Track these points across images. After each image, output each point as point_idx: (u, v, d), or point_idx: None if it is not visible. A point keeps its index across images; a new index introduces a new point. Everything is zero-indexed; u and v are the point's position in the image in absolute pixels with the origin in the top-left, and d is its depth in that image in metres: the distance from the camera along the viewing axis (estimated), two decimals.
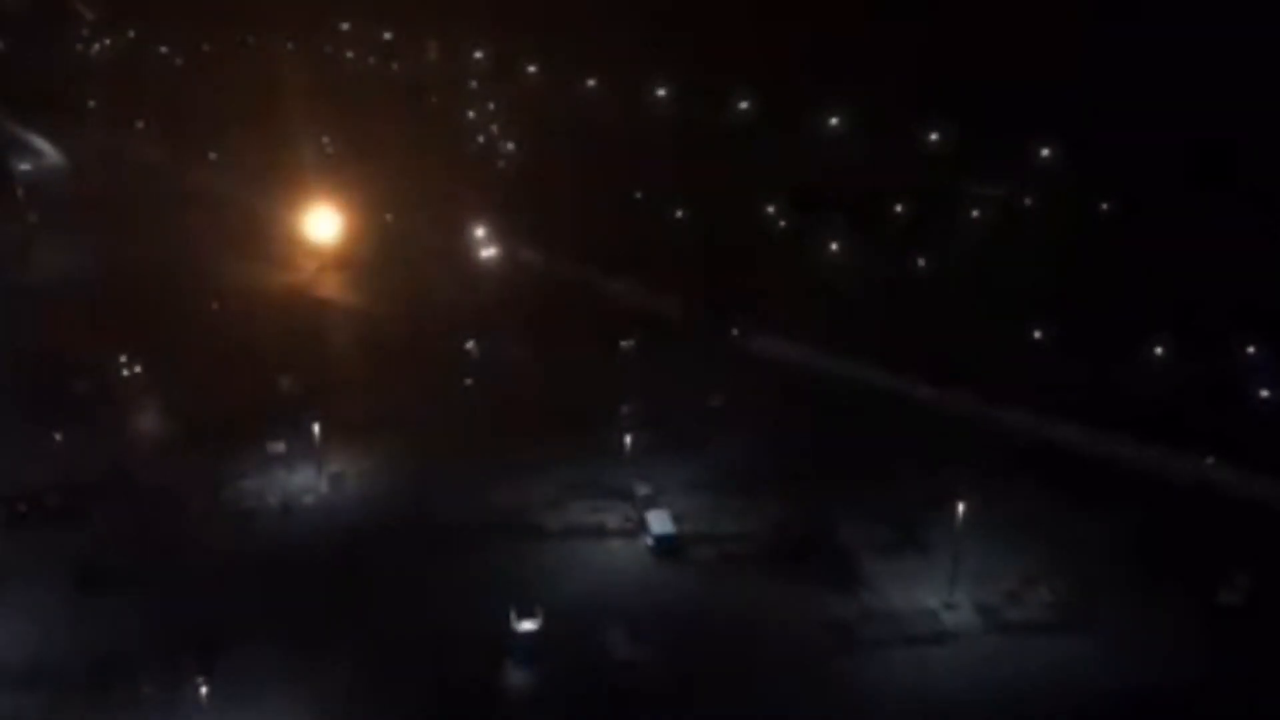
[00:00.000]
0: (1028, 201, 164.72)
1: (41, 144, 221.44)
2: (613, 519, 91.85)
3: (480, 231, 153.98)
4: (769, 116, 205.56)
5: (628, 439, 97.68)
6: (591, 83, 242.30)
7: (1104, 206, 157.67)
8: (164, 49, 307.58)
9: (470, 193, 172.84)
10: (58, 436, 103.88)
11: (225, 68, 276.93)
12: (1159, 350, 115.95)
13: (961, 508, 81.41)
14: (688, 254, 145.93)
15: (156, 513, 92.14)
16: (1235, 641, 76.35)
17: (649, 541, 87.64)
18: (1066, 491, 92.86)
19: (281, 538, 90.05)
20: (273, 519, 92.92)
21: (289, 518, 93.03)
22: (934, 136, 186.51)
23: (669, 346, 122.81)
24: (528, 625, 77.10)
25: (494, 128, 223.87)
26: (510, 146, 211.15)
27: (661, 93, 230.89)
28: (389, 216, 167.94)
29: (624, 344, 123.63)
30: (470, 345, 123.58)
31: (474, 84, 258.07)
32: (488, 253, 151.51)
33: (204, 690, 69.70)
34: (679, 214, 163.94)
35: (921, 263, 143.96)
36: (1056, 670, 74.01)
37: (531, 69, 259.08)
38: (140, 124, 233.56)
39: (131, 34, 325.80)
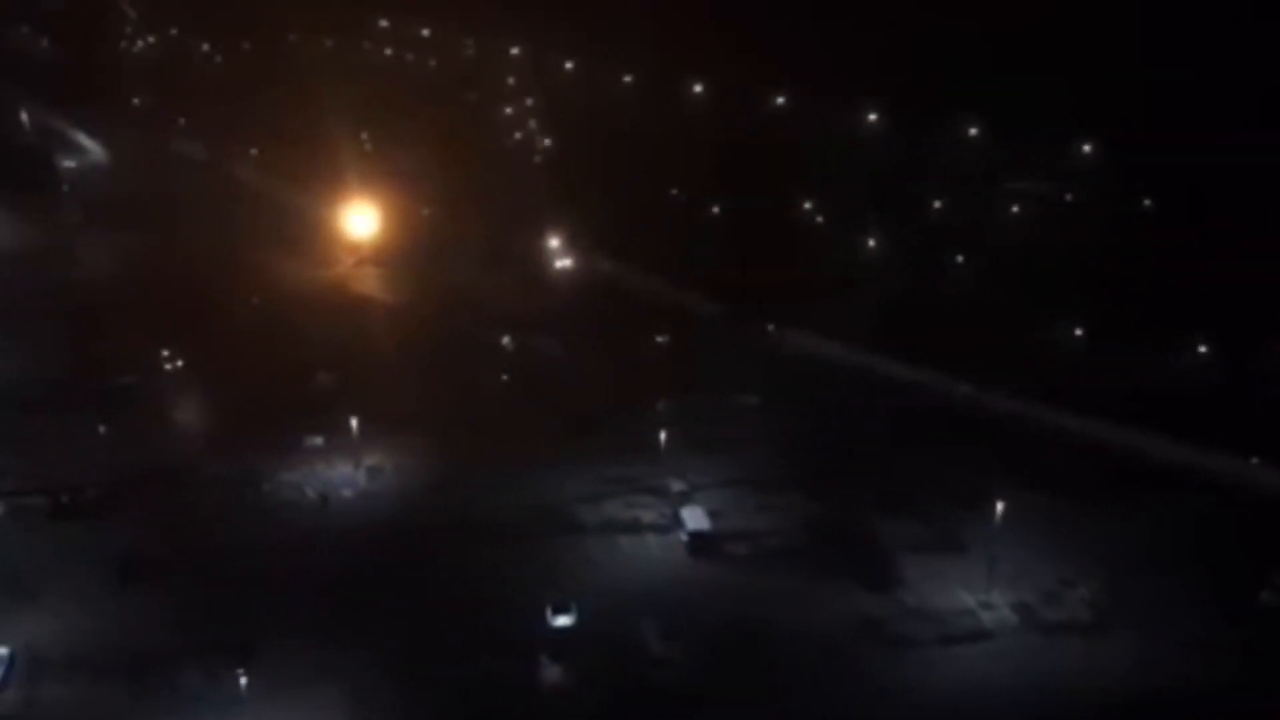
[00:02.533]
0: (1068, 198, 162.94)
1: (86, 141, 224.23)
2: (648, 515, 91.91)
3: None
4: (806, 112, 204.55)
5: (663, 435, 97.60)
6: (628, 79, 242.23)
7: (1146, 203, 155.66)
8: (206, 47, 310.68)
9: (506, 189, 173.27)
10: (101, 429, 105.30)
11: (266, 65, 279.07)
12: (1202, 348, 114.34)
13: (999, 506, 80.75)
14: (723, 250, 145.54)
15: (197, 505, 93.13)
16: (1276, 644, 75.16)
17: (684, 537, 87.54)
18: (1106, 490, 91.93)
19: (319, 531, 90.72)
20: (311, 512, 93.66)
21: (327, 511, 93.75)
22: (973, 132, 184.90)
23: (704, 342, 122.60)
24: (562, 620, 77.29)
25: (530, 123, 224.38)
26: (546, 142, 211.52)
27: (698, 89, 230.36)
28: (426, 212, 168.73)
29: (659, 340, 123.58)
30: (506, 340, 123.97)
31: (511, 80, 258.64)
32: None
33: (243, 682, 70.28)
34: (715, 210, 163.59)
35: (960, 259, 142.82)
36: (1094, 671, 73.20)
37: (568, 65, 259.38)
38: (182, 121, 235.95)
39: (174, 32, 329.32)
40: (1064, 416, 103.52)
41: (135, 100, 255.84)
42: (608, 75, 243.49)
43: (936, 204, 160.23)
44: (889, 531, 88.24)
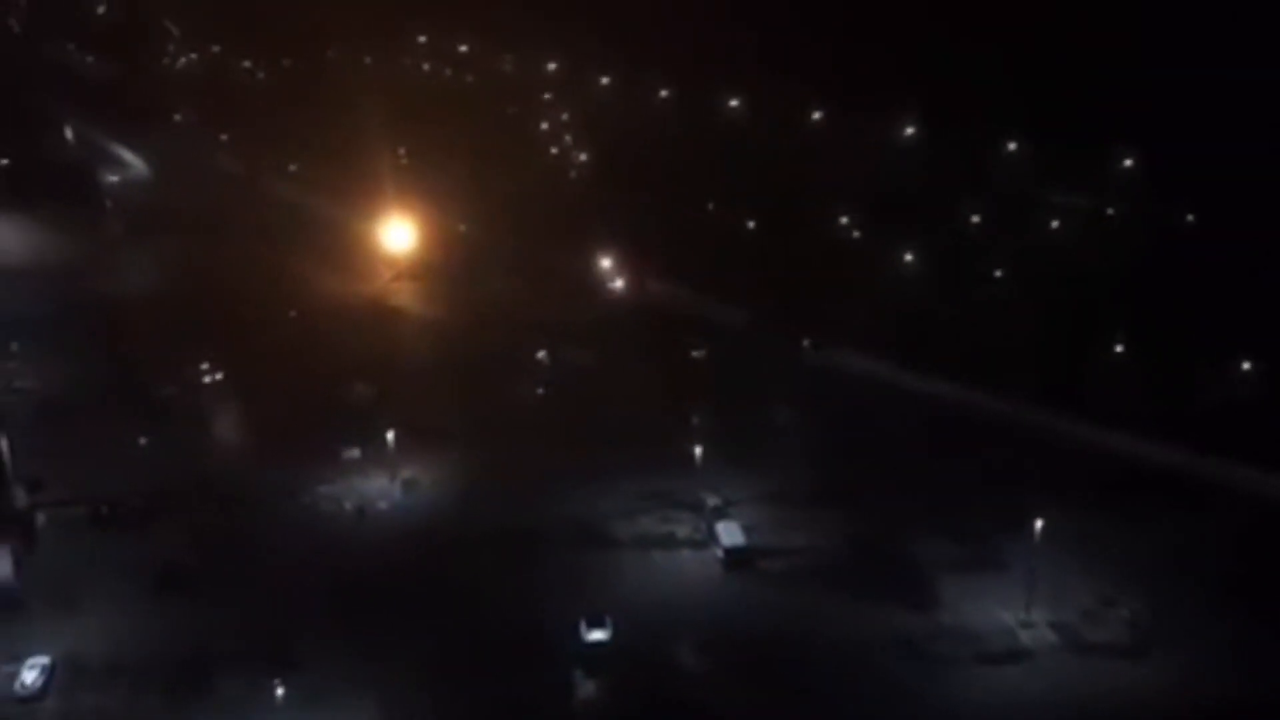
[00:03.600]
0: (1109, 211, 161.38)
1: (129, 156, 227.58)
2: (683, 530, 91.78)
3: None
4: (843, 125, 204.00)
5: (698, 450, 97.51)
6: (664, 93, 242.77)
7: (1189, 218, 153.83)
8: (247, 63, 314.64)
9: (541, 203, 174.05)
10: (141, 441, 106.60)
11: (305, 81, 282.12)
12: (1245, 365, 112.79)
13: (1039, 523, 79.97)
14: (760, 264, 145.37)
15: (235, 516, 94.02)
16: None
17: (719, 553, 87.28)
18: (1147, 508, 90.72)
19: (356, 542, 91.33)
20: (347, 523, 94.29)
21: (363, 522, 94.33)
22: (1012, 146, 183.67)
23: (740, 357, 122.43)
24: (597, 635, 77.27)
25: (567, 138, 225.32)
26: (583, 157, 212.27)
27: (734, 103, 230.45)
28: (463, 227, 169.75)
29: (695, 354, 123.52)
30: (542, 355, 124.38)
31: (548, 95, 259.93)
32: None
33: (280, 691, 70.76)
34: (751, 224, 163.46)
35: (999, 274, 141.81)
36: (1136, 692, 72.15)
37: (605, 80, 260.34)
38: (223, 136, 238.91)
39: (216, 49, 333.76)
40: (1106, 432, 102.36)
41: (177, 116, 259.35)
42: (644, 89, 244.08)
43: (975, 218, 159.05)
44: (927, 548, 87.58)
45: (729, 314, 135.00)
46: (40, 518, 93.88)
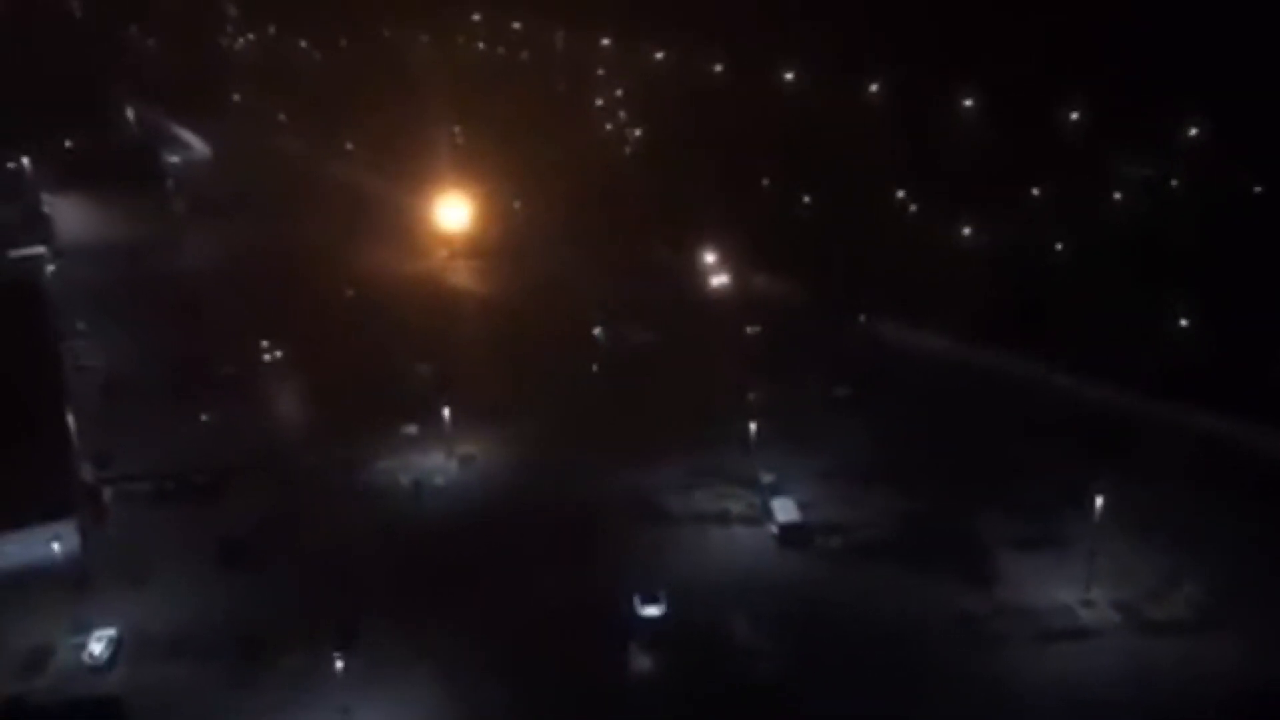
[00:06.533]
0: (1174, 183, 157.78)
1: (189, 137, 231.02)
2: (737, 506, 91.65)
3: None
4: (900, 96, 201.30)
5: (753, 426, 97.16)
6: (718, 68, 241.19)
7: (1257, 189, 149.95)
8: (304, 43, 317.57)
9: (596, 179, 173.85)
10: (204, 418, 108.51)
11: (362, 61, 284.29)
12: None
13: (1100, 501, 78.71)
14: (815, 238, 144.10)
15: (296, 492, 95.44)
16: None
17: (774, 529, 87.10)
18: (1213, 485, 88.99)
19: (414, 517, 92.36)
20: (405, 499, 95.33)
21: (421, 498, 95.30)
22: (1075, 115, 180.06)
23: (796, 332, 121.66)
24: (651, 610, 77.54)
25: (621, 113, 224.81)
26: (637, 133, 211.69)
27: (789, 76, 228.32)
28: (517, 204, 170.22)
29: (750, 330, 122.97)
30: (597, 331, 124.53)
31: (601, 71, 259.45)
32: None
33: (340, 665, 71.86)
34: (806, 199, 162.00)
35: (1060, 246, 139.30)
36: (1198, 672, 71.02)
37: (658, 55, 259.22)
38: (281, 116, 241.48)
39: (273, 30, 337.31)
40: (1172, 408, 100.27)
41: (236, 97, 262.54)
42: (699, 65, 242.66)
43: (1036, 190, 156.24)
44: (985, 525, 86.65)
45: (785, 289, 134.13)
46: (107, 493, 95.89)
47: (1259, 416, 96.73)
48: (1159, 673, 71.13)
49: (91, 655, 75.24)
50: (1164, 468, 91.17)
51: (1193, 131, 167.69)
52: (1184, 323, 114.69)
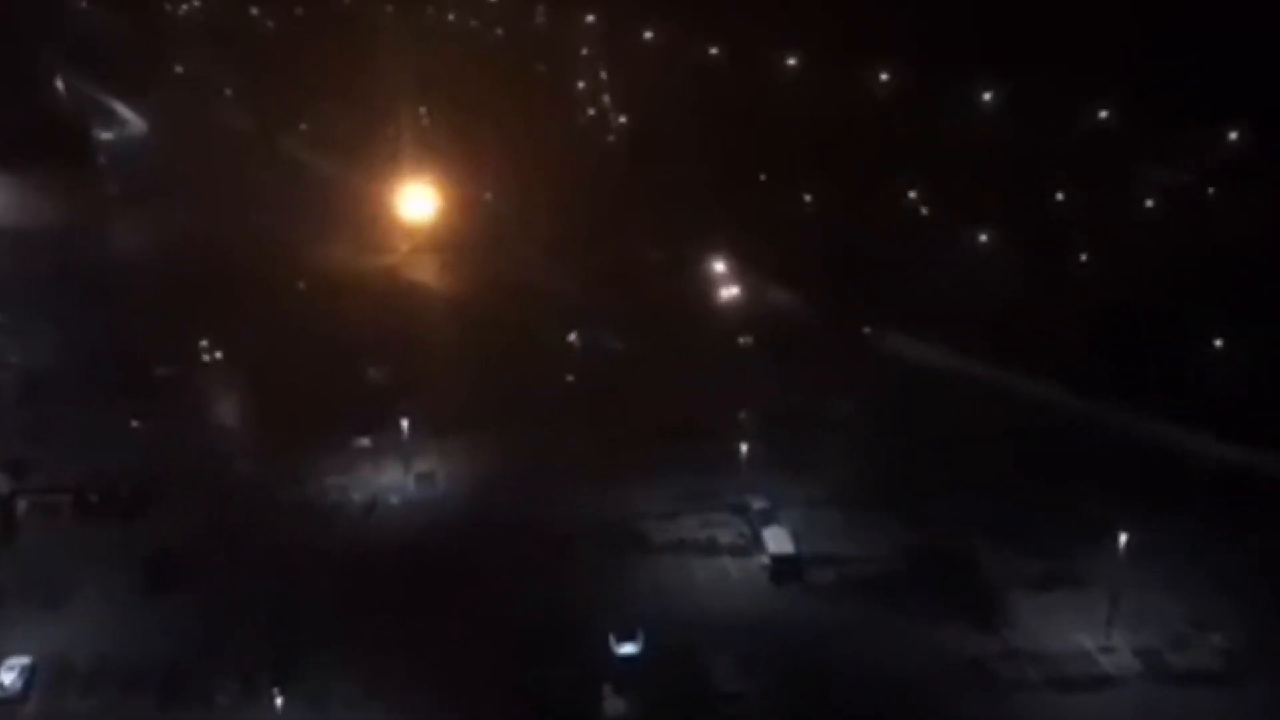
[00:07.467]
0: (1210, 190, 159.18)
1: (124, 111, 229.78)
2: (725, 534, 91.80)
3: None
4: (912, 91, 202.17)
5: (744, 447, 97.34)
6: (712, 51, 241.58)
7: None
8: (254, 11, 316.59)
9: (574, 170, 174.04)
10: (134, 424, 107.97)
11: (319, 31, 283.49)
12: None
13: (1123, 537, 79.17)
14: (815, 242, 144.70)
15: (234, 508, 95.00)
16: None
17: (764, 561, 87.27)
18: (1244, 520, 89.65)
19: (364, 538, 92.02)
20: (356, 518, 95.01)
21: (373, 517, 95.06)
22: (1103, 115, 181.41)
23: (792, 344, 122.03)
24: (627, 649, 77.56)
25: (605, 99, 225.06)
26: (622, 120, 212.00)
27: (790, 62, 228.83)
28: (489, 196, 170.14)
29: (742, 340, 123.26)
30: (573, 337, 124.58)
31: (584, 51, 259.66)
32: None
33: (280, 701, 71.46)
34: (807, 198, 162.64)
35: (1083, 258, 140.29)
36: None
37: (647, 35, 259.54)
38: (228, 91, 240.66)
39: None
40: (1200, 435, 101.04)
41: (178, 68, 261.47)
42: (691, 47, 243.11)
43: (1059, 195, 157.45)
44: (995, 561, 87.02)
45: (783, 295, 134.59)
46: (22, 505, 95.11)
47: None
48: None
49: (2, 686, 74.52)
50: (1193, 503, 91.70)
51: (1233, 136, 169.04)
52: (1218, 343, 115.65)
